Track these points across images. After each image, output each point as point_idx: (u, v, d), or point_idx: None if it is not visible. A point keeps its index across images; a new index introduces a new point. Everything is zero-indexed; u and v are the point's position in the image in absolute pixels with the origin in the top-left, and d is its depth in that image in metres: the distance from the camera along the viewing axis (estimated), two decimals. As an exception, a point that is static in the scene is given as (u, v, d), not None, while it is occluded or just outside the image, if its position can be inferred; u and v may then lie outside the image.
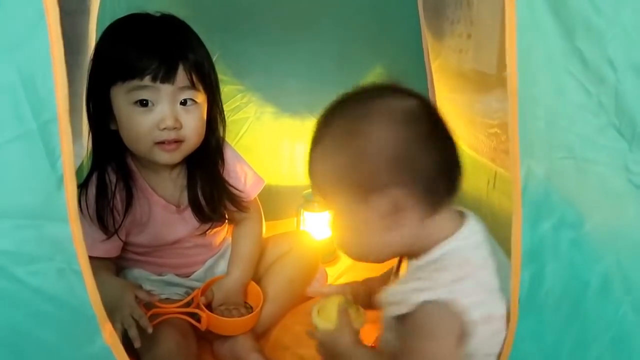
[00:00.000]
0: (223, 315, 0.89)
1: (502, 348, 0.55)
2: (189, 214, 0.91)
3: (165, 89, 0.79)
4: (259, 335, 0.94)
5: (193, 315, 0.87)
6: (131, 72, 0.77)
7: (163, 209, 0.90)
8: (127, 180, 0.86)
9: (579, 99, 0.51)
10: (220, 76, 0.90)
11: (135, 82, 0.77)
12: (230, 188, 0.93)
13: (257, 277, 1.00)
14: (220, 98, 0.90)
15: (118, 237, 0.85)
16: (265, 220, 1.06)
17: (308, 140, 0.62)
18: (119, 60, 0.78)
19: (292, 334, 0.98)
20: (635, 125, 0.51)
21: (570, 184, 0.53)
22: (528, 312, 0.52)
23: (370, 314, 0.72)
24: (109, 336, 0.51)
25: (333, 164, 0.58)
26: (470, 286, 0.54)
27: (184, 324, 0.86)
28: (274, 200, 1.36)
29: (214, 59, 0.88)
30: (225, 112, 0.93)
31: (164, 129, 0.79)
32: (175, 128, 0.80)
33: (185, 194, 0.90)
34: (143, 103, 0.79)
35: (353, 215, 0.58)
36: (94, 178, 0.84)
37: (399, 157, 0.54)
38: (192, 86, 0.81)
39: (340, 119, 0.59)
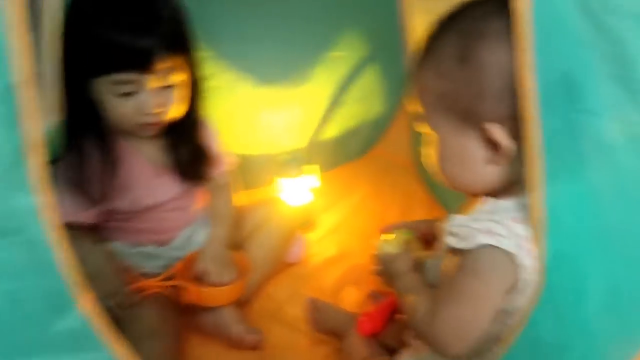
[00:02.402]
0: (210, 282, 0.86)
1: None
2: (169, 177, 0.90)
3: (150, 77, 0.77)
4: (242, 304, 0.94)
5: (176, 290, 0.85)
6: (115, 67, 0.75)
7: (144, 170, 0.88)
8: (108, 146, 0.83)
9: (585, 50, 0.48)
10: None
11: (119, 76, 0.75)
12: (208, 150, 0.93)
13: (236, 247, 0.98)
14: (199, 68, 0.89)
15: (102, 203, 0.83)
16: (243, 189, 1.05)
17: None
18: (100, 55, 0.74)
19: (276, 301, 0.98)
20: (636, 75, 0.49)
21: (574, 139, 0.50)
22: (551, 276, 0.51)
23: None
24: (88, 305, 0.49)
25: (442, 86, 0.55)
26: None
27: (164, 298, 0.85)
28: (250, 170, 1.34)
29: None
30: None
31: (149, 114, 0.79)
32: (156, 112, 0.80)
33: (164, 156, 0.90)
34: (127, 93, 0.77)
35: (455, 142, 0.56)
36: (71, 148, 0.81)
37: (507, 87, 0.50)
38: (176, 69, 0.79)
39: (446, 37, 0.55)
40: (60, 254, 0.46)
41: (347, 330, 0.83)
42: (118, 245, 0.91)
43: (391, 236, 0.74)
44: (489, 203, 0.57)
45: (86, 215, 0.83)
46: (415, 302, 0.60)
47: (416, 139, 1.49)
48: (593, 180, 0.50)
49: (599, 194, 0.51)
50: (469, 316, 0.54)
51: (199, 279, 0.87)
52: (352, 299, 0.97)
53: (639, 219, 0.52)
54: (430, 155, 0.61)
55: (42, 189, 0.46)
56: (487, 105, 0.52)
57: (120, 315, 0.74)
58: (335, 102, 1.46)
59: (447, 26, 0.56)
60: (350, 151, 1.55)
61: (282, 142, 1.41)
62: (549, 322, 0.53)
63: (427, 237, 0.75)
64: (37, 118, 0.44)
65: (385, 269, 0.70)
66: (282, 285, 1.02)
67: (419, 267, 0.68)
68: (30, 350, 0.48)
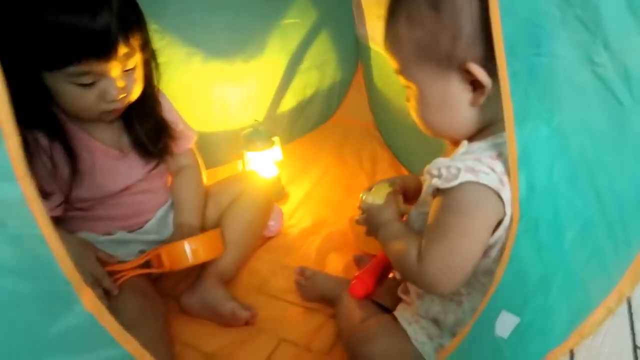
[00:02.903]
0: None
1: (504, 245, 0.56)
2: (132, 157, 0.87)
3: (108, 65, 0.72)
4: (227, 281, 0.91)
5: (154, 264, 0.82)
6: (69, 59, 0.68)
7: (104, 154, 0.84)
8: (63, 138, 0.78)
9: None
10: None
11: (75, 68, 0.69)
12: (169, 123, 0.90)
13: (213, 225, 0.96)
14: (151, 44, 0.83)
15: (61, 194, 0.78)
16: (207, 168, 1.02)
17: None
18: (56, 46, 0.67)
19: (261, 275, 0.97)
20: (598, 15, 0.51)
21: (540, 81, 0.53)
22: (527, 215, 0.53)
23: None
24: (89, 302, 0.45)
25: (418, 35, 0.55)
26: None
27: (143, 285, 0.81)
28: (211, 148, 1.30)
29: None
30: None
31: (112, 101, 0.76)
32: (120, 97, 0.76)
33: (125, 137, 0.85)
34: (89, 84, 0.72)
35: (436, 88, 0.57)
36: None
37: (481, 28, 0.52)
38: (132, 53, 0.74)
39: None
40: (56, 245, 0.42)
41: (338, 295, 0.83)
42: (83, 236, 0.85)
43: (375, 189, 0.74)
44: (467, 146, 0.58)
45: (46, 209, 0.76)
46: (403, 246, 0.60)
47: (375, 102, 1.50)
48: (563, 118, 0.52)
49: (569, 132, 0.53)
50: (458, 252, 0.55)
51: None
52: (337, 265, 0.97)
53: (607, 154, 0.55)
54: (411, 106, 0.62)
55: (22, 176, 0.42)
56: (463, 47, 0.53)
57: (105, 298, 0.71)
58: (290, 72, 1.43)
59: None
60: (309, 121, 1.54)
61: (239, 117, 1.37)
62: (529, 254, 0.55)
63: (405, 192, 0.77)
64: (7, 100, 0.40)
65: (370, 220, 0.71)
66: (265, 259, 1.01)
67: (402, 218, 0.69)
68: (34, 352, 0.44)
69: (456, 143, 0.61)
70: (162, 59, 1.20)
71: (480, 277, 0.59)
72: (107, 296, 0.74)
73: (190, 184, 0.96)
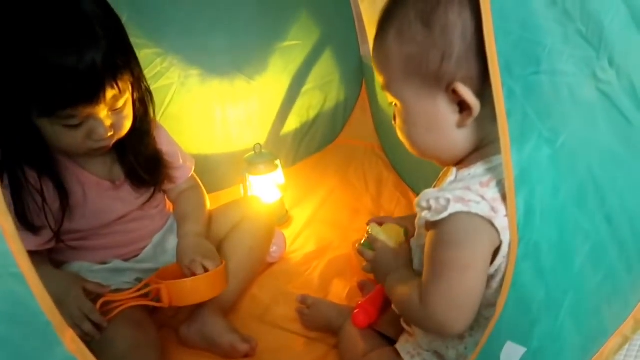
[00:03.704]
0: (192, 273, 0.79)
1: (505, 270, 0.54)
2: (125, 189, 0.85)
3: (95, 108, 0.70)
4: (227, 310, 0.89)
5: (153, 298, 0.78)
6: (55, 107, 0.67)
7: (96, 186, 0.82)
8: (53, 174, 0.77)
9: (544, 8, 0.48)
10: (132, 40, 0.77)
11: (61, 113, 0.68)
12: (164, 155, 0.89)
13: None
14: (143, 75, 0.81)
15: (51, 229, 0.77)
16: (208, 193, 1.00)
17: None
18: (39, 95, 0.66)
19: (262, 303, 0.94)
20: (601, 31, 0.50)
21: (543, 100, 0.51)
22: (527, 238, 0.51)
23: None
24: (71, 343, 0.43)
25: (407, 52, 0.54)
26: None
27: (139, 315, 0.78)
28: (213, 171, 1.29)
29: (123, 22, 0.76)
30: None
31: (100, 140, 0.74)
32: (109, 135, 0.75)
33: (117, 168, 0.84)
34: (72, 125, 0.71)
35: (423, 107, 0.55)
36: (6, 180, 0.73)
37: (470, 47, 0.51)
38: (120, 92, 0.72)
39: (409, 4, 0.54)
40: (36, 284, 0.40)
41: (341, 324, 0.80)
42: (76, 266, 0.84)
43: (386, 228, 0.71)
44: (456, 173, 0.57)
45: (36, 243, 0.76)
46: (407, 291, 0.58)
47: (380, 122, 1.49)
48: (569, 137, 0.50)
49: (575, 151, 0.51)
50: (460, 288, 0.53)
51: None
52: (340, 292, 0.94)
53: (617, 173, 0.53)
54: (397, 125, 0.60)
55: (1, 212, 0.40)
56: (452, 67, 0.52)
57: (92, 342, 0.69)
58: (293, 93, 1.42)
59: None
60: (313, 142, 1.52)
61: (241, 139, 1.36)
62: (531, 279, 0.52)
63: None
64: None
65: (381, 260, 0.68)
66: (267, 286, 0.98)
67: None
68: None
69: (444, 164, 0.60)
70: (163, 81, 1.22)
71: (482, 310, 0.56)
72: (99, 329, 0.71)
73: (193, 198, 0.95)
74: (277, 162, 1.20)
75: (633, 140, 0.53)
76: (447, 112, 0.54)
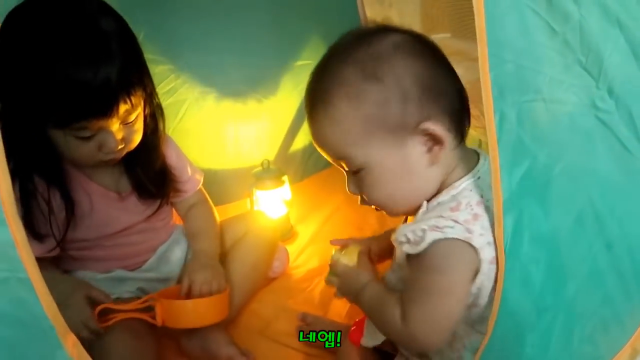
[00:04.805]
0: (197, 294, 0.79)
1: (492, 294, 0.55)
2: (131, 201, 0.87)
3: (107, 121, 0.72)
4: (227, 323, 0.89)
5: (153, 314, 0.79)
6: (70, 120, 0.70)
7: (103, 197, 0.84)
8: (61, 183, 0.78)
9: (545, 38, 0.50)
10: (148, 56, 0.80)
11: (75, 125, 0.70)
12: (172, 169, 0.91)
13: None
14: (155, 92, 0.84)
15: (55, 238, 0.78)
16: (216, 205, 1.02)
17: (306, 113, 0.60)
18: (53, 109, 0.68)
19: (262, 317, 0.95)
20: (601, 61, 0.51)
21: (540, 127, 0.52)
22: (513, 258, 0.52)
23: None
24: (73, 347, 0.45)
25: (365, 110, 0.55)
26: (485, 225, 0.53)
27: (140, 325, 0.79)
28: (222, 185, 1.31)
29: (139, 40, 0.78)
30: (159, 96, 0.87)
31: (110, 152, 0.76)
32: (119, 148, 0.76)
33: (124, 179, 0.86)
34: (84, 137, 0.73)
35: (394, 159, 0.56)
36: (16, 188, 0.74)
37: (427, 88, 0.53)
38: (132, 107, 0.74)
39: (348, 68, 0.55)
40: (42, 290, 0.42)
41: (340, 342, 0.80)
42: (81, 275, 0.85)
43: (346, 251, 0.71)
44: (426, 205, 0.58)
45: (40, 250, 0.77)
46: (386, 308, 0.59)
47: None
48: (567, 165, 0.51)
49: (574, 178, 0.52)
50: (442, 311, 0.55)
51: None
52: (340, 309, 0.95)
53: (617, 201, 0.54)
54: (364, 194, 0.60)
55: (12, 220, 0.42)
56: (415, 108, 0.54)
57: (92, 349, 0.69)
58: (303, 112, 1.44)
59: (340, 59, 0.56)
60: (321, 160, 1.52)
61: (251, 155, 1.38)
62: (519, 301, 0.53)
63: (380, 253, 0.74)
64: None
65: (347, 283, 0.67)
66: (268, 301, 0.99)
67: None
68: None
69: (415, 212, 0.60)
70: (177, 96, 1.25)
71: (477, 326, 0.58)
72: (96, 337, 0.73)
73: (204, 214, 0.96)
74: (284, 178, 1.21)
75: (632, 169, 0.54)
76: (418, 154, 0.56)
